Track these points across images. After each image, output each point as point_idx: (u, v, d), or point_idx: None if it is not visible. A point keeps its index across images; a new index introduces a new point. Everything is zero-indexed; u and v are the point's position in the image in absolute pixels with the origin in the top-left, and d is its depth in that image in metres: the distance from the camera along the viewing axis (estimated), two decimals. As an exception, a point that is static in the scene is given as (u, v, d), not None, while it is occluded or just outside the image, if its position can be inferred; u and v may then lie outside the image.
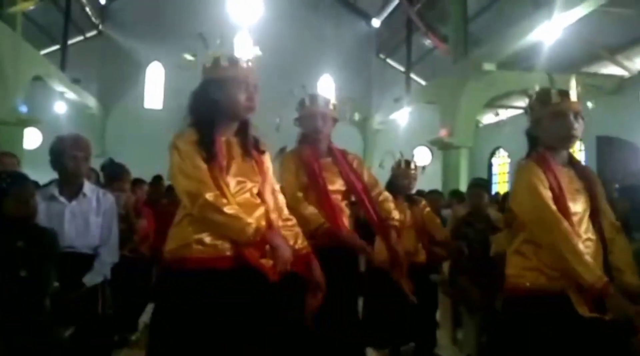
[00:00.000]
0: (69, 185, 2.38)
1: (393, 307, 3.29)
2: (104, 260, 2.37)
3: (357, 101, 2.61)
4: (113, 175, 3.78)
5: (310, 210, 2.31)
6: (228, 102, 1.72)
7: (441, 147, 9.23)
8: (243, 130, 1.80)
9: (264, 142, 1.86)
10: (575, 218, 1.79)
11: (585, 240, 1.80)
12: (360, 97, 14.49)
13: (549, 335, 1.73)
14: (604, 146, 9.62)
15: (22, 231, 1.94)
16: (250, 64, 1.76)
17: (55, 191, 2.35)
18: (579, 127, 1.84)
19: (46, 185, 2.57)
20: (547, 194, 1.78)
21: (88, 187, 2.43)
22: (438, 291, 3.73)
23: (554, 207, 1.76)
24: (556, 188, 1.79)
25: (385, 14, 14.65)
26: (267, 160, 1.86)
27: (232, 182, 1.68)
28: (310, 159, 2.46)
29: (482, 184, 3.49)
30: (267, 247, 1.62)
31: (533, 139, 1.95)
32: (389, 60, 15.59)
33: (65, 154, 2.39)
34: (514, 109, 13.23)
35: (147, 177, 5.70)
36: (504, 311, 1.97)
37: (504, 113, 13.82)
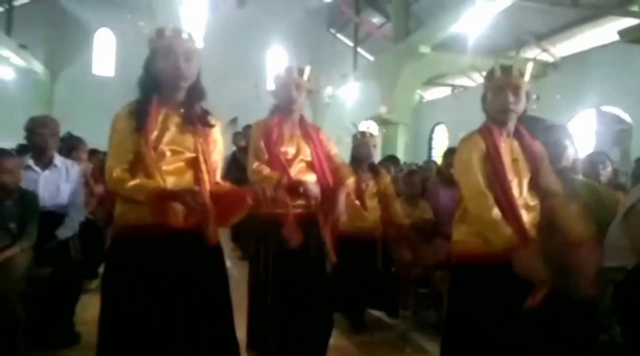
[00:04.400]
0: (41, 156, 2.87)
1: (358, 274, 3.44)
2: (73, 218, 2.89)
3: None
4: (71, 146, 4.24)
5: (266, 171, 2.41)
6: (157, 72, 1.77)
7: (381, 123, 9.92)
8: (187, 102, 1.82)
9: (215, 115, 1.90)
10: (512, 184, 1.88)
11: (523, 205, 1.88)
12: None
13: (490, 303, 1.81)
14: (530, 124, 10.63)
15: (9, 193, 2.44)
16: (180, 33, 1.78)
17: (30, 162, 2.84)
18: (516, 101, 1.90)
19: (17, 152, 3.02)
20: (478, 167, 1.87)
21: (58, 158, 2.94)
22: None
23: (481, 182, 1.85)
24: (495, 157, 1.88)
25: (336, -12, 14.99)
26: (214, 133, 1.90)
27: (165, 150, 1.75)
28: (272, 127, 2.51)
29: (389, 160, 4.11)
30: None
31: (486, 114, 2.02)
32: (338, 35, 16.06)
33: (34, 131, 2.87)
34: (454, 87, 14.19)
35: (97, 144, 5.99)
36: (453, 277, 2.03)
37: (443, 91, 14.73)
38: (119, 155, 1.73)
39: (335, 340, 3.33)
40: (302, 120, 2.63)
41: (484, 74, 2.01)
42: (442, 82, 13.52)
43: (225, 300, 1.87)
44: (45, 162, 2.88)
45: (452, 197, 3.23)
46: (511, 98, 1.89)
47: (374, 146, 3.70)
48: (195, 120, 1.82)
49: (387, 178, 3.75)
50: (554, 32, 10.09)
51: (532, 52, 10.71)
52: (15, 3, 12.53)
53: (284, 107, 2.57)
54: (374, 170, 3.72)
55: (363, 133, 3.68)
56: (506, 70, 1.93)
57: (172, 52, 1.75)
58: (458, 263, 1.98)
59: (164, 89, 1.79)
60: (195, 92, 1.84)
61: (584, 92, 9.02)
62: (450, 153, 3.75)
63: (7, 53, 11.32)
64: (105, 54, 14.60)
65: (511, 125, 1.97)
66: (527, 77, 1.94)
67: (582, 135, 9.28)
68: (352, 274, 3.42)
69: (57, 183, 2.85)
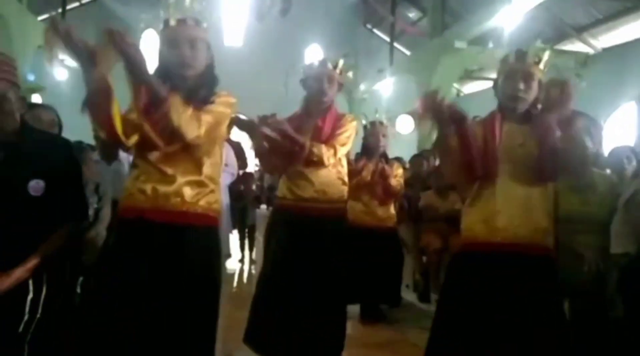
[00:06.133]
0: (107, 152, 3.26)
1: (359, 265, 3.40)
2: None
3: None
4: (127, 142, 4.67)
5: None
6: (165, 61, 1.79)
7: (417, 117, 10.01)
8: (193, 90, 1.75)
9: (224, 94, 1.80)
10: (505, 167, 1.83)
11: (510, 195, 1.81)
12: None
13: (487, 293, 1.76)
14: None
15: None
16: (185, 22, 1.75)
17: (97, 157, 3.23)
18: (526, 88, 1.81)
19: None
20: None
21: (121, 153, 3.31)
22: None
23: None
24: (489, 142, 1.84)
25: (373, -16, 15.04)
26: (213, 107, 1.74)
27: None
28: (293, 120, 2.51)
29: (422, 155, 4.27)
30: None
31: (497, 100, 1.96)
32: (375, 30, 16.14)
33: None
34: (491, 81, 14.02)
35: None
36: (453, 262, 2.01)
37: (482, 85, 14.61)
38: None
39: (372, 324, 3.65)
40: (330, 111, 2.57)
41: None
42: (480, 76, 13.43)
43: (208, 308, 1.75)
44: (111, 157, 3.26)
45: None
46: (521, 85, 1.82)
47: (384, 135, 3.64)
48: (195, 103, 1.71)
49: (398, 171, 3.71)
50: (595, 24, 9.91)
51: (573, 45, 10.55)
52: (67, 7, 13.24)
53: (313, 99, 2.54)
54: (384, 161, 3.66)
55: (373, 123, 3.66)
56: (521, 56, 1.85)
57: (175, 41, 1.75)
58: (462, 250, 1.91)
59: (172, 77, 1.76)
60: (203, 81, 1.78)
61: (626, 84, 8.86)
62: None
63: (61, 55, 11.97)
64: (150, 55, 15.20)
65: (521, 112, 1.88)
66: (542, 65, 1.86)
67: (623, 128, 9.12)
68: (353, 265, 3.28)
69: (120, 174, 3.22)
